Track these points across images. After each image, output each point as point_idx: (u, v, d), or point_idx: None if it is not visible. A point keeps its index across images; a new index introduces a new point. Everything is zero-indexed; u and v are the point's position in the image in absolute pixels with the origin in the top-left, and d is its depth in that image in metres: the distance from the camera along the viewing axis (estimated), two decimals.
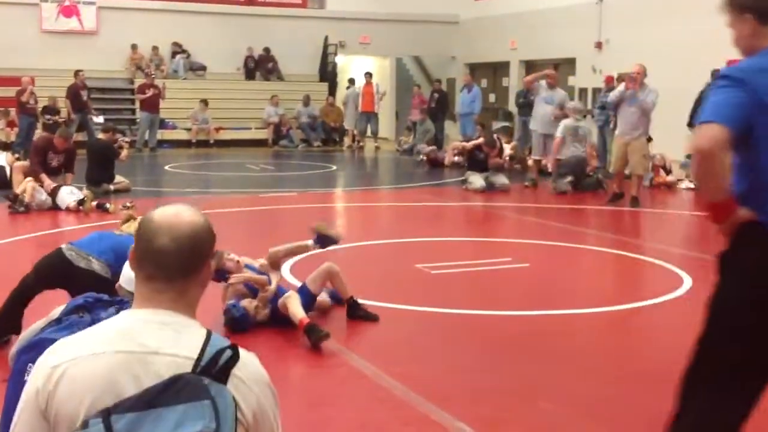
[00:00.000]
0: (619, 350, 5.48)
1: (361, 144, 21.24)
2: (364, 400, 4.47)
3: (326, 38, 22.47)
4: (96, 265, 4.96)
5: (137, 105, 19.69)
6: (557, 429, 4.14)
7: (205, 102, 19.95)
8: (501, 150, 13.61)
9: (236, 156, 18.19)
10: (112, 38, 20.37)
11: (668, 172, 13.88)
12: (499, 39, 21.69)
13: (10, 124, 17.36)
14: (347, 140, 21.81)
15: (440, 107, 20.29)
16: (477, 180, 12.85)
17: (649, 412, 4.31)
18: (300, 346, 5.34)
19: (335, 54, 23.07)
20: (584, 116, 18.32)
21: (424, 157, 17.09)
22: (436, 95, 20.47)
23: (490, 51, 22.24)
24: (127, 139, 14.94)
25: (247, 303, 5.53)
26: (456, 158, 15.36)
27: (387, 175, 17.61)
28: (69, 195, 10.51)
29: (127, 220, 5.45)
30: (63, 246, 5.16)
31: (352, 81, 22.31)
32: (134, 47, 20.73)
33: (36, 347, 2.71)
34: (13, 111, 17.07)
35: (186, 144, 19.90)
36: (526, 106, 16.47)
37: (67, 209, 10.39)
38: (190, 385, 1.64)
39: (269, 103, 20.92)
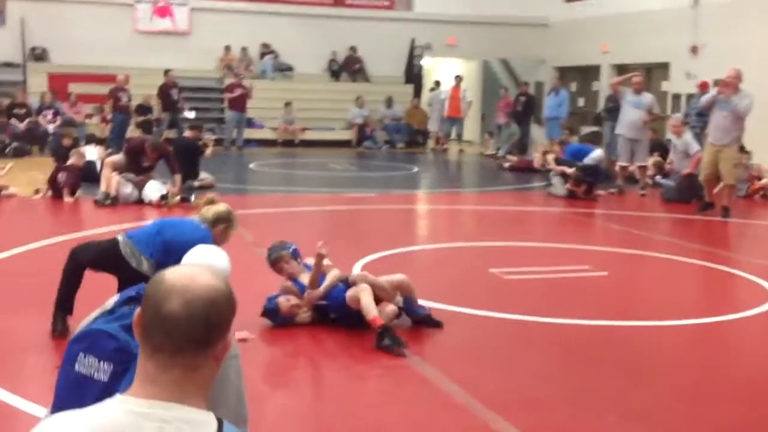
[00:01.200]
0: (696, 365, 5.23)
1: (445, 147, 21.12)
2: (425, 405, 4.38)
3: (413, 40, 22.44)
4: (145, 266, 4.88)
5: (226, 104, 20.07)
6: None
7: (289, 103, 20.19)
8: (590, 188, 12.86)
9: (320, 156, 18.33)
10: (203, 39, 20.83)
11: (759, 179, 13.27)
12: (590, 42, 21.22)
13: (104, 121, 17.92)
14: (431, 142, 21.73)
15: (527, 111, 20.00)
16: (560, 185, 12.57)
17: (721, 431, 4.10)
18: (361, 345, 5.28)
19: (421, 56, 23.02)
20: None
21: (509, 163, 16.81)
22: (522, 98, 20.18)
23: (581, 54, 21.78)
24: (212, 137, 15.22)
25: (284, 300, 5.48)
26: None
27: (468, 178, 17.46)
28: (154, 191, 10.75)
29: (209, 203, 5.25)
30: (119, 237, 5.09)
31: (437, 83, 22.21)
32: (227, 48, 21.15)
33: (88, 337, 2.73)
34: (107, 107, 17.61)
35: (272, 143, 20.17)
36: (614, 110, 16.06)
37: (151, 203, 10.63)
38: None
39: (354, 104, 21.03)
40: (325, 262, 5.51)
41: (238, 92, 19.03)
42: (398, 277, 5.61)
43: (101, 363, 2.65)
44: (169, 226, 5.16)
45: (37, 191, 10.95)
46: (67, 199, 10.66)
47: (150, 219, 9.94)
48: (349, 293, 5.33)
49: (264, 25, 21.42)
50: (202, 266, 1.65)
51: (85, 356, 2.70)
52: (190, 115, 18.27)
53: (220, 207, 5.09)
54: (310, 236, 7.81)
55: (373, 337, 5.15)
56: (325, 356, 5.25)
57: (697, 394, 4.64)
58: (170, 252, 4.67)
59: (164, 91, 18.02)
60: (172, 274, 1.55)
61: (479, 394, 4.45)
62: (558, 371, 4.94)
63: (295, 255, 5.67)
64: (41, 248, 7.85)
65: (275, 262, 5.62)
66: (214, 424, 1.50)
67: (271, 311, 5.48)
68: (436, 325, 5.65)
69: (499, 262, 7.69)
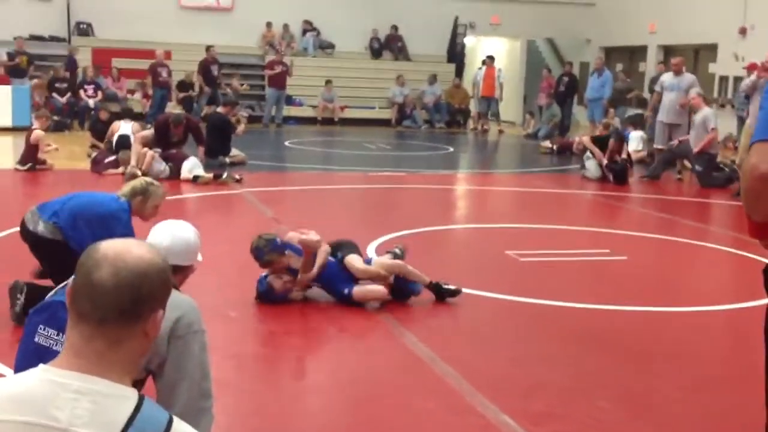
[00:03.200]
0: (703, 353, 5.09)
1: (485, 127, 20.93)
2: (413, 385, 4.35)
3: (456, 18, 22.20)
4: (41, 227, 4.86)
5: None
6: (604, 429, 3.88)
7: (329, 81, 20.16)
8: (621, 146, 12.75)
9: (357, 135, 18.30)
10: (245, 15, 20.89)
11: None
12: (637, 22, 20.78)
13: (146, 96, 18.12)
14: (471, 122, 21.54)
15: (569, 92, 19.67)
16: (593, 167, 12.34)
17: (717, 422, 3.99)
18: (360, 324, 5.29)
19: (464, 35, 22.77)
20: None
21: (550, 144, 16.57)
22: (565, 79, 19.83)
23: (627, 34, 21.35)
24: (245, 114, 15.29)
25: (275, 279, 5.46)
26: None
27: (504, 159, 17.28)
28: (189, 169, 10.85)
29: (131, 177, 5.26)
30: (30, 208, 5.09)
31: (485, 62, 21.94)
32: (269, 25, 21.19)
33: (48, 309, 2.75)
34: (148, 83, 17.81)
35: (312, 121, 20.20)
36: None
37: (185, 180, 10.75)
38: None
39: (395, 83, 20.92)
40: (312, 235, 5.47)
41: (278, 69, 19.06)
42: (394, 263, 5.67)
43: (60, 335, 2.67)
44: (83, 195, 5.15)
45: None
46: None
47: (179, 194, 10.08)
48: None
49: (306, 2, 21.38)
50: (141, 241, 1.64)
51: (44, 328, 2.73)
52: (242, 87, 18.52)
53: (137, 181, 5.16)
54: (331, 214, 7.84)
55: (360, 314, 5.21)
56: (314, 333, 5.24)
57: (705, 383, 4.52)
58: (80, 220, 4.78)
59: (205, 67, 18.14)
60: (107, 244, 1.54)
61: (472, 377, 4.39)
62: (559, 355, 4.86)
63: (281, 249, 5.47)
64: None
65: (266, 264, 5.46)
66: (134, 400, 1.47)
67: (264, 293, 5.47)
68: (455, 293, 5.68)
69: (516, 245, 7.59)
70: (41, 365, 1.51)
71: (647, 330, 5.47)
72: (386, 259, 5.78)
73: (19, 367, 2.63)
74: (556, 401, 4.19)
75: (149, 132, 11.50)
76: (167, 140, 11.09)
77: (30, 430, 1.40)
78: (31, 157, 11.03)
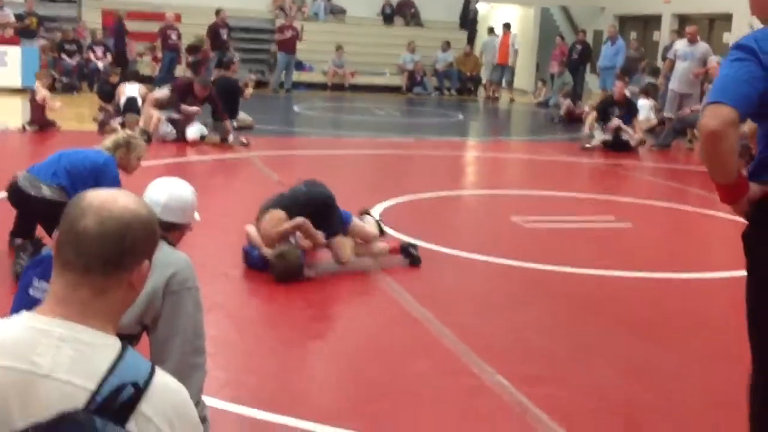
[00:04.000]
0: (705, 320, 5.06)
1: (496, 95, 20.78)
2: (409, 346, 4.36)
3: None
4: (46, 191, 4.93)
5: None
6: (599, 393, 3.88)
7: (340, 47, 20.03)
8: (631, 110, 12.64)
9: (367, 101, 18.20)
10: None
11: None
12: None
13: (156, 59, 18.05)
14: (482, 90, 21.40)
15: (582, 60, 19.47)
16: (599, 134, 12.22)
17: (718, 389, 3.99)
18: (359, 286, 5.31)
19: (477, 1, 22.53)
20: None
21: (561, 113, 16.44)
22: (578, 47, 19.62)
23: (642, 3, 21.08)
24: (252, 78, 15.19)
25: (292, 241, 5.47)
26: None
27: (514, 127, 17.17)
28: (194, 131, 10.83)
29: (111, 132, 5.32)
30: (19, 174, 5.14)
31: (491, 30, 21.76)
32: None
33: (42, 263, 2.76)
34: (158, 46, 17.72)
35: (322, 87, 20.10)
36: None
37: (191, 143, 10.73)
38: (77, 427, 1.36)
39: (406, 49, 20.76)
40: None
41: (288, 34, 18.91)
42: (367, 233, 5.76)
43: None
44: (70, 153, 5.20)
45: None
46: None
47: (185, 157, 10.08)
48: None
49: None
50: (126, 191, 1.63)
51: (38, 281, 2.74)
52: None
53: (118, 134, 5.23)
54: (337, 178, 7.80)
55: (359, 276, 5.20)
56: (313, 294, 5.25)
57: (706, 350, 4.50)
58: (75, 177, 4.88)
59: (214, 31, 18.01)
60: (93, 194, 1.53)
61: (468, 339, 4.41)
62: (557, 320, 4.85)
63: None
64: None
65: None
66: (116, 348, 1.45)
67: (254, 262, 5.44)
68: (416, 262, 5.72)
69: (522, 211, 7.57)
70: (24, 312, 1.51)
71: (649, 296, 5.46)
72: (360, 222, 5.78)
73: None
74: (553, 365, 4.20)
75: (163, 93, 11.44)
76: (187, 101, 11.00)
77: (11, 375, 1.40)
78: (38, 117, 11.04)
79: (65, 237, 1.49)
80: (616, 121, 12.05)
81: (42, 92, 11.07)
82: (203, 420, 2.72)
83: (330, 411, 3.53)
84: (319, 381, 3.99)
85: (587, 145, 12.13)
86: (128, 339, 2.74)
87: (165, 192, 3.03)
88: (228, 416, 3.43)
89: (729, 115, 2.50)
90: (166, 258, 2.72)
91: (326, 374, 4.08)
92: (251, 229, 5.48)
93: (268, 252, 5.30)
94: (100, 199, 1.51)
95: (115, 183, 4.85)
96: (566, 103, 16.80)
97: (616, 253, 6.48)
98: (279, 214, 5.34)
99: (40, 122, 11.02)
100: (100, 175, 4.89)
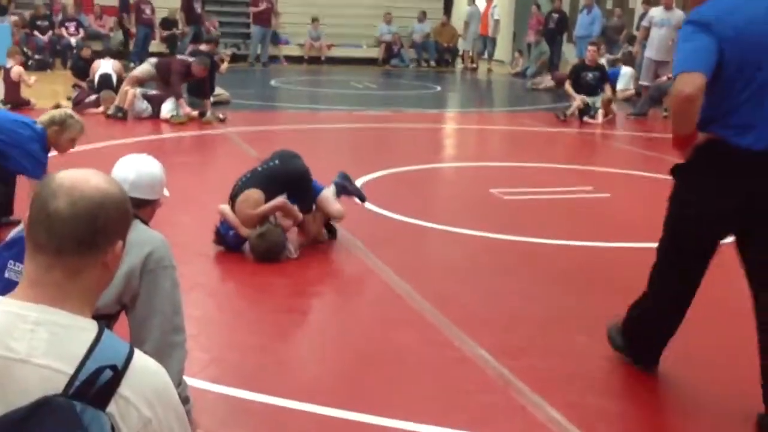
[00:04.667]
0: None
1: (474, 66, 20.72)
2: (390, 319, 4.38)
3: None
4: None
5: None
6: (581, 362, 3.92)
7: (316, 19, 19.86)
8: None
9: (345, 74, 18.10)
10: None
11: None
12: None
13: (130, 34, 17.82)
14: (460, 61, 21.32)
15: (558, 29, 19.45)
16: (573, 103, 12.21)
17: (698, 354, 4.04)
18: (339, 261, 5.32)
19: None
20: None
21: (534, 85, 16.45)
22: (555, 16, 19.59)
23: None
24: (228, 52, 15.04)
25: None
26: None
27: (491, 98, 17.16)
28: (168, 109, 10.72)
29: (56, 107, 5.29)
30: None
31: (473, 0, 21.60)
32: None
33: (17, 244, 2.73)
34: (131, 20, 17.50)
35: (298, 60, 19.95)
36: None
37: (165, 120, 10.64)
38: (57, 412, 1.34)
39: (382, 20, 20.63)
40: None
41: (263, 6, 18.73)
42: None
43: None
44: (3, 121, 5.16)
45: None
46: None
47: (159, 134, 10.00)
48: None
49: None
50: (98, 171, 1.61)
51: (14, 263, 2.72)
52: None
53: (58, 111, 5.22)
54: (316, 153, 7.78)
55: (339, 251, 5.14)
56: (294, 270, 5.25)
57: (686, 318, 4.55)
58: (7, 145, 4.93)
59: (188, 5, 17.80)
60: (64, 174, 1.51)
61: (450, 312, 4.43)
62: (540, 292, 4.88)
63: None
64: None
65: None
66: (93, 331, 1.43)
67: (229, 242, 5.40)
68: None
69: (501, 182, 7.59)
70: (0, 297, 1.49)
71: (628, 266, 5.46)
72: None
73: None
74: (534, 335, 4.23)
75: (145, 70, 11.25)
76: (185, 80, 10.88)
77: None
78: (12, 96, 10.88)
79: (36, 218, 1.47)
80: (578, 101, 12.02)
81: (17, 69, 10.92)
82: (185, 400, 2.73)
83: (313, 386, 3.54)
84: (302, 354, 4.01)
85: (562, 117, 12.07)
86: (106, 319, 2.74)
87: (133, 169, 3.00)
88: (210, 395, 3.43)
89: (701, 81, 3.02)
90: (141, 237, 2.71)
91: (308, 347, 4.10)
92: (226, 209, 5.40)
93: (246, 232, 5.27)
94: (71, 179, 1.49)
95: (30, 157, 4.94)
96: (547, 79, 16.82)
97: (595, 224, 6.52)
98: (256, 194, 5.30)
99: (14, 101, 10.86)
100: (20, 145, 4.96)
